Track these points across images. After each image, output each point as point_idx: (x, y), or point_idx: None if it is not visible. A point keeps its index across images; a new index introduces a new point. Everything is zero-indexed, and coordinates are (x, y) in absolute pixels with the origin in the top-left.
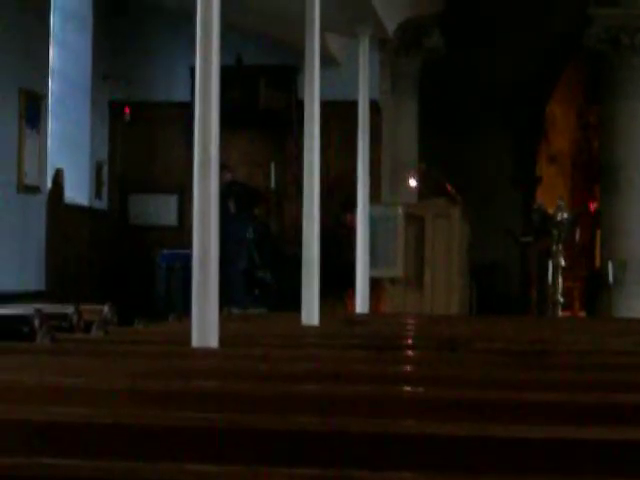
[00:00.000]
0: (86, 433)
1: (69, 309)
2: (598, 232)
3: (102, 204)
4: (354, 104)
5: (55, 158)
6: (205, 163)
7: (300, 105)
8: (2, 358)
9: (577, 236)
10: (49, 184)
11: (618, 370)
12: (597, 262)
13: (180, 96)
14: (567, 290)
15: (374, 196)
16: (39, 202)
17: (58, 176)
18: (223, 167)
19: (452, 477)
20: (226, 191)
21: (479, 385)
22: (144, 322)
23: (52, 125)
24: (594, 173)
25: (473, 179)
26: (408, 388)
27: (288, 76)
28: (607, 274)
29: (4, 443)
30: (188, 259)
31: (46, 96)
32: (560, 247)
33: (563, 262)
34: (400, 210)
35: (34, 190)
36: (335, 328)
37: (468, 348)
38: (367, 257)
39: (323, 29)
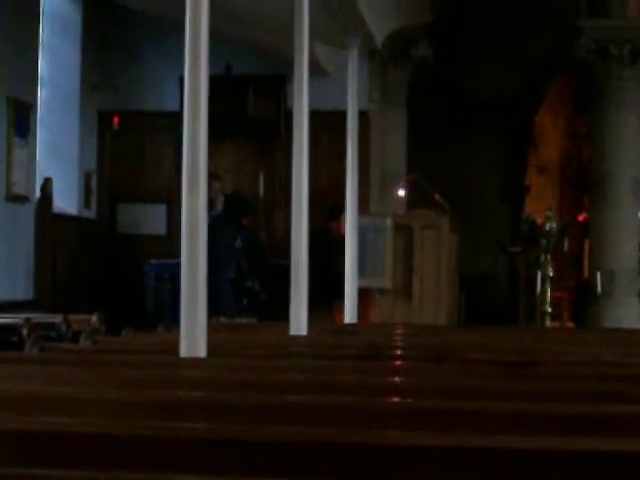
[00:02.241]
0: (73, 443)
1: (57, 318)
2: (587, 242)
3: (91, 213)
4: (343, 114)
5: (44, 167)
6: (194, 172)
7: (289, 115)
8: None
9: (566, 246)
10: (38, 193)
11: (606, 380)
12: (585, 272)
13: (169, 106)
14: (555, 300)
15: (363, 206)
16: (27, 211)
17: (47, 185)
18: (212, 176)
19: None
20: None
21: (467, 395)
22: (132, 332)
23: (41, 134)
24: (583, 183)
25: (462, 189)
26: (396, 399)
27: (277, 86)
28: (595, 284)
29: None
30: (176, 269)
31: (35, 105)
32: (549, 257)
33: (551, 272)
34: (389, 220)
35: (22, 199)
36: (323, 338)
37: (456, 358)
38: (356, 267)
39: (312, 39)
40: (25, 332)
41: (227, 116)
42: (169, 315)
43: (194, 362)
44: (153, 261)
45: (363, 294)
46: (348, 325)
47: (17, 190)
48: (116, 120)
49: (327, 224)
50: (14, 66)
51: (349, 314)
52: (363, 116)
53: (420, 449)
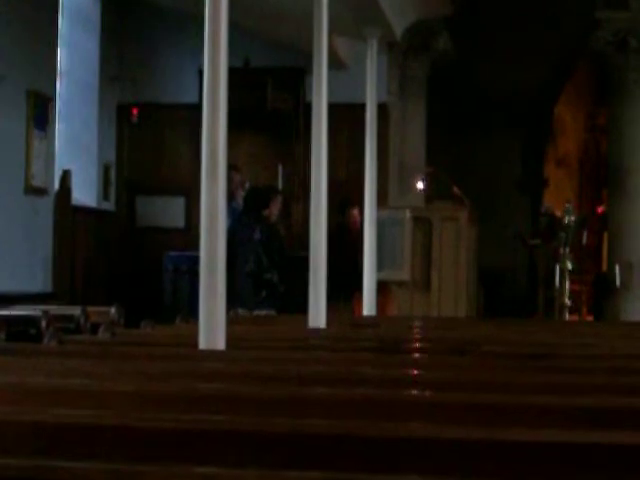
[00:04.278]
0: (93, 435)
1: (76, 311)
2: (605, 235)
3: (109, 206)
4: (362, 107)
5: (63, 160)
6: (213, 165)
7: (307, 107)
8: (9, 359)
9: (584, 239)
10: (57, 186)
11: (626, 374)
12: (604, 265)
13: (188, 98)
14: (574, 293)
15: (381, 199)
16: (47, 204)
17: (66, 178)
18: (232, 168)
19: None
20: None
21: (488, 388)
22: (151, 324)
23: (60, 127)
24: (602, 176)
25: (481, 182)
26: (416, 391)
27: (296, 78)
28: (614, 277)
29: (10, 445)
30: (195, 261)
31: (54, 98)
32: (567, 250)
33: (570, 265)
34: (407, 213)
35: (42, 192)
36: (342, 331)
37: (476, 351)
38: (374, 260)
39: (331, 31)
40: (44, 324)
41: (246, 109)
42: (187, 307)
43: (213, 354)
44: (171, 253)
45: (382, 287)
46: (367, 318)
47: (36, 182)
48: (135, 112)
49: (341, 217)
50: (33, 59)
51: (368, 307)
52: (382, 109)
53: (440, 442)
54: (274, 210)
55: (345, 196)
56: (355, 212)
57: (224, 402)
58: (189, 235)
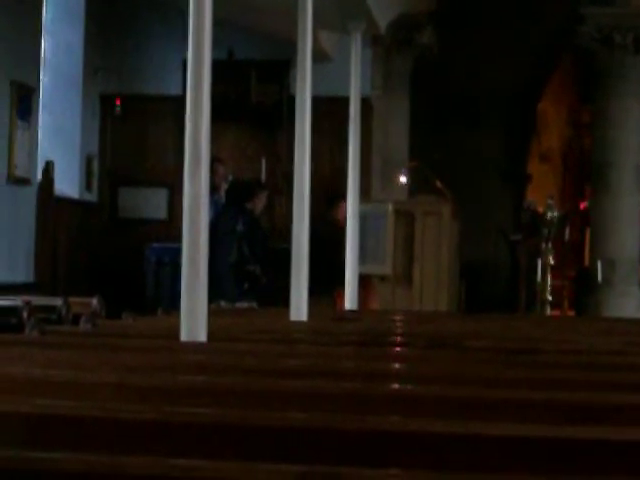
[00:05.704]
0: (73, 426)
1: (58, 301)
2: (588, 231)
3: (92, 197)
4: (346, 100)
5: (46, 150)
6: (196, 157)
7: (291, 100)
8: None
9: (567, 235)
10: (39, 176)
11: (606, 369)
12: (586, 261)
13: (172, 89)
14: (556, 289)
15: (364, 193)
16: (29, 194)
17: (48, 168)
18: (217, 161)
19: (439, 475)
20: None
21: (467, 383)
22: (132, 315)
23: (43, 117)
24: (585, 172)
25: (464, 176)
26: (396, 385)
27: (280, 71)
28: (596, 273)
29: None
30: (177, 253)
31: (37, 88)
32: (549, 245)
33: (552, 261)
34: (390, 207)
35: (24, 182)
36: (324, 324)
37: (457, 346)
38: (357, 254)
39: (316, 24)
40: (25, 315)
41: (229, 101)
42: (169, 299)
43: (194, 346)
44: (154, 245)
45: (364, 281)
46: (349, 312)
47: (19, 173)
48: (118, 103)
49: (326, 212)
50: (17, 49)
51: (350, 301)
52: (366, 102)
53: (420, 435)
54: (259, 205)
55: (334, 189)
56: (345, 205)
57: (205, 394)
58: (172, 227)
